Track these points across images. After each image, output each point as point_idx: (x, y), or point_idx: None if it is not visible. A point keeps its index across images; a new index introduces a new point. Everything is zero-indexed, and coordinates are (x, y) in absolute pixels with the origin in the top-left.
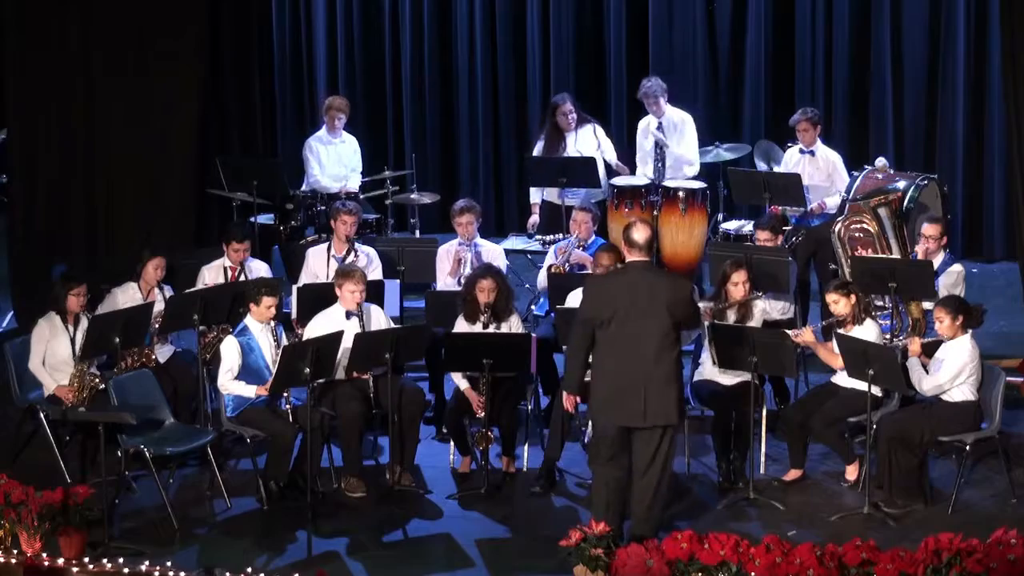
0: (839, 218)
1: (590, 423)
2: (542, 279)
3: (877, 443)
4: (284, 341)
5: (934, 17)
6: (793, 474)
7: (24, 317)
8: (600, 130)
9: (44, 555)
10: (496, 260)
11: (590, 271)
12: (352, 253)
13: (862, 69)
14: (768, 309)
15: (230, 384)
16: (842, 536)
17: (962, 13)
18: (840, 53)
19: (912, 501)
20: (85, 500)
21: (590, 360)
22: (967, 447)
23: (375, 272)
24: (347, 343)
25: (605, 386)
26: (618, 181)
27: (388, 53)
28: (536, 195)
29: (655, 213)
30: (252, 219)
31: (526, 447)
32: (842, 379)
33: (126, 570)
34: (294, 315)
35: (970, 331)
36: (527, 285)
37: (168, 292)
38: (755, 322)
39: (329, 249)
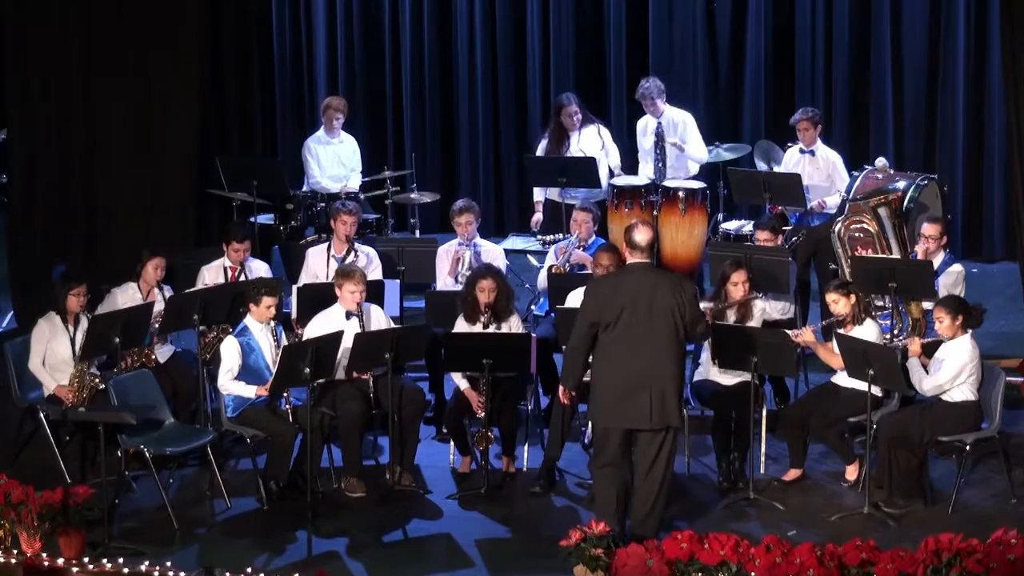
0: (839, 218)
1: (590, 424)
2: (542, 279)
3: (877, 443)
4: (284, 341)
5: (934, 17)
6: (793, 474)
7: (24, 317)
8: (605, 131)
9: (44, 555)
10: (496, 260)
11: (590, 271)
12: (352, 253)
13: (862, 69)
14: (768, 309)
15: (230, 384)
16: (842, 536)
17: (962, 13)
18: (840, 53)
19: (912, 501)
20: (85, 500)
21: (589, 360)
22: (967, 447)
23: (375, 272)
24: (347, 343)
25: (608, 388)
26: (618, 181)
27: (388, 53)
28: (539, 193)
29: (655, 213)
30: (252, 219)
31: (526, 447)
32: (842, 379)
33: (126, 570)
34: (294, 315)
35: (970, 331)
36: (527, 285)
37: (168, 292)
38: (755, 322)
39: (329, 249)
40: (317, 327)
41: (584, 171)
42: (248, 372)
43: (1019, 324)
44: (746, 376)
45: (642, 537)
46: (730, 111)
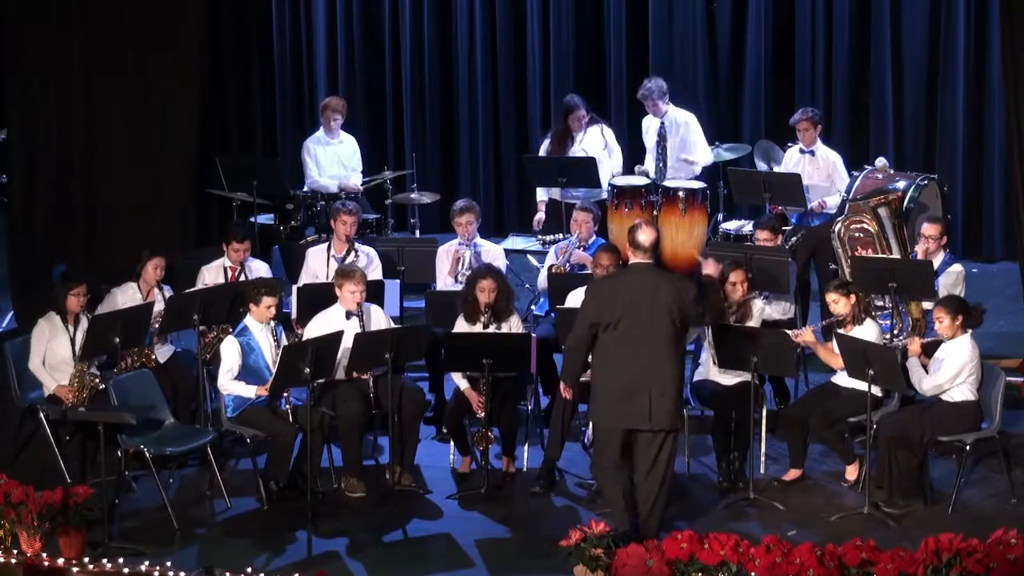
0: (839, 218)
1: (591, 424)
2: (542, 279)
3: (877, 443)
4: (284, 341)
5: (934, 17)
6: (793, 474)
7: (24, 317)
8: (608, 131)
9: (44, 555)
10: (496, 260)
11: (590, 271)
12: (352, 253)
13: (862, 69)
14: (769, 310)
15: (230, 384)
16: (842, 536)
17: (962, 13)
18: (840, 53)
19: (912, 501)
20: (85, 500)
21: (589, 360)
22: (967, 447)
23: (375, 272)
24: (347, 343)
25: (607, 389)
26: (618, 181)
27: (388, 53)
28: (543, 193)
29: (655, 213)
30: (252, 219)
31: (526, 447)
32: (842, 379)
33: (126, 570)
34: (294, 315)
35: (970, 331)
36: (527, 285)
37: (168, 292)
38: (754, 322)
39: (329, 249)
40: (317, 327)
41: (584, 171)
42: (248, 372)
43: (1019, 324)
44: (746, 376)
45: (642, 537)
46: (730, 111)
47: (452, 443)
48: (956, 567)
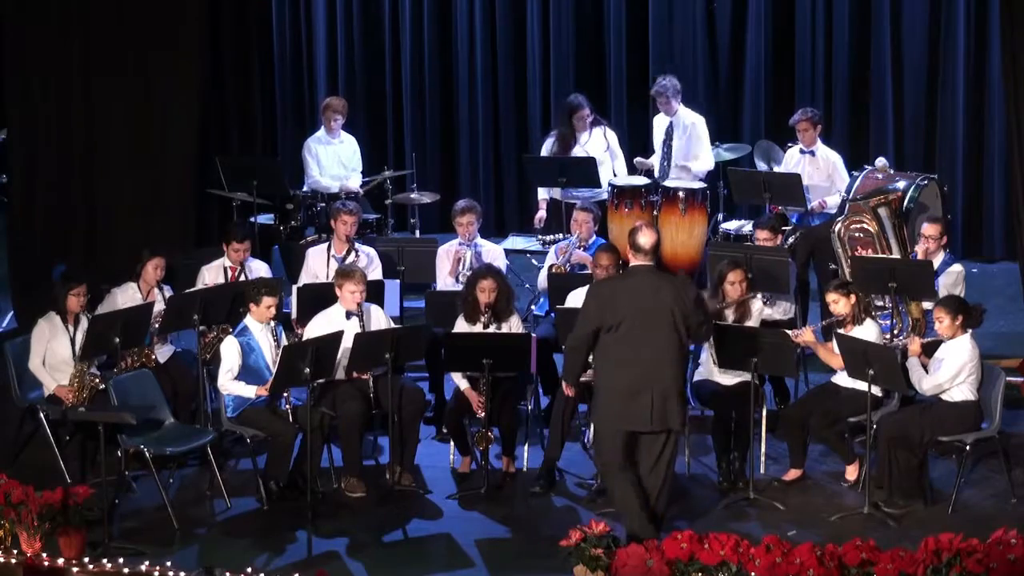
0: (839, 218)
1: (592, 425)
2: (542, 279)
3: (877, 443)
4: (284, 341)
5: (934, 17)
6: (793, 474)
7: (24, 317)
8: (611, 134)
9: (44, 555)
10: (496, 260)
11: (590, 271)
12: (352, 253)
13: (862, 69)
14: (769, 310)
15: (230, 384)
16: (842, 536)
17: (962, 13)
18: (840, 53)
19: (912, 501)
20: (85, 500)
21: (590, 359)
22: (967, 447)
23: (375, 272)
24: (347, 343)
25: (610, 391)
26: (618, 181)
27: (388, 53)
28: (544, 192)
29: (655, 213)
30: (252, 219)
31: (526, 447)
32: (842, 379)
33: (126, 570)
34: (294, 315)
35: (970, 331)
36: (527, 285)
37: (168, 292)
38: (753, 321)
39: (329, 249)
40: (317, 327)
41: (584, 171)
42: (248, 372)
43: (1019, 324)
44: (746, 376)
45: (643, 537)
46: (730, 111)
47: (452, 443)
48: (956, 567)
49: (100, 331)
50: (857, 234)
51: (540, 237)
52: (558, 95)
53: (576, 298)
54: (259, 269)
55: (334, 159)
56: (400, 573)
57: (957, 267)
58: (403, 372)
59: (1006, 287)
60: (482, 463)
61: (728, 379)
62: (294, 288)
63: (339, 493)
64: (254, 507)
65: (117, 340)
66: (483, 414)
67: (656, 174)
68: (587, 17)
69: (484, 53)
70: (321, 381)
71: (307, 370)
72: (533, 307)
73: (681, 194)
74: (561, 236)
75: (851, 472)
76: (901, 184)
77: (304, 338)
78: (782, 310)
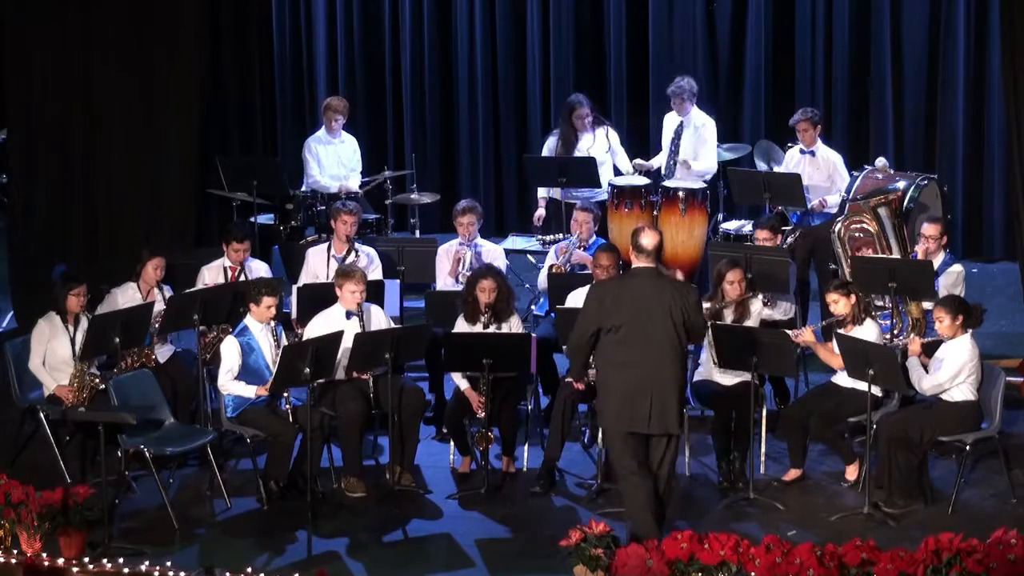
0: (839, 218)
1: (600, 429)
2: (542, 279)
3: (877, 443)
4: (284, 341)
5: (934, 17)
6: (793, 474)
7: (24, 317)
8: (613, 134)
9: (44, 555)
10: (496, 260)
11: (590, 271)
12: (352, 253)
13: (862, 69)
14: (771, 311)
15: (230, 384)
16: (842, 536)
17: (962, 13)
18: (840, 53)
19: (912, 501)
20: (85, 500)
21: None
22: (967, 447)
23: (375, 272)
24: (347, 343)
25: (611, 394)
26: (618, 181)
27: (388, 53)
28: (543, 191)
29: (655, 213)
30: (252, 219)
31: (526, 447)
32: (842, 379)
33: (126, 570)
34: (294, 315)
35: (970, 331)
36: (527, 285)
37: (168, 292)
38: (752, 321)
39: (329, 249)
40: (317, 327)
41: (584, 171)
42: (248, 372)
43: (1019, 324)
44: (746, 376)
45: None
46: (730, 111)
47: (452, 443)
48: (956, 567)
49: (100, 331)
50: (857, 234)
51: (540, 237)
52: (558, 95)
53: (576, 298)
54: (259, 269)
55: (334, 159)
56: (400, 573)
57: (957, 267)
58: (403, 372)
59: (1006, 287)
60: (482, 463)
61: (728, 379)
62: (294, 288)
63: (339, 493)
64: (254, 507)
65: (117, 340)
66: (483, 414)
67: (663, 172)
68: (587, 17)
69: (484, 53)
70: (321, 381)
71: (307, 370)
72: (533, 307)
73: (681, 194)
74: (561, 236)
75: (851, 472)
76: (901, 184)
77: (304, 338)
78: (782, 310)
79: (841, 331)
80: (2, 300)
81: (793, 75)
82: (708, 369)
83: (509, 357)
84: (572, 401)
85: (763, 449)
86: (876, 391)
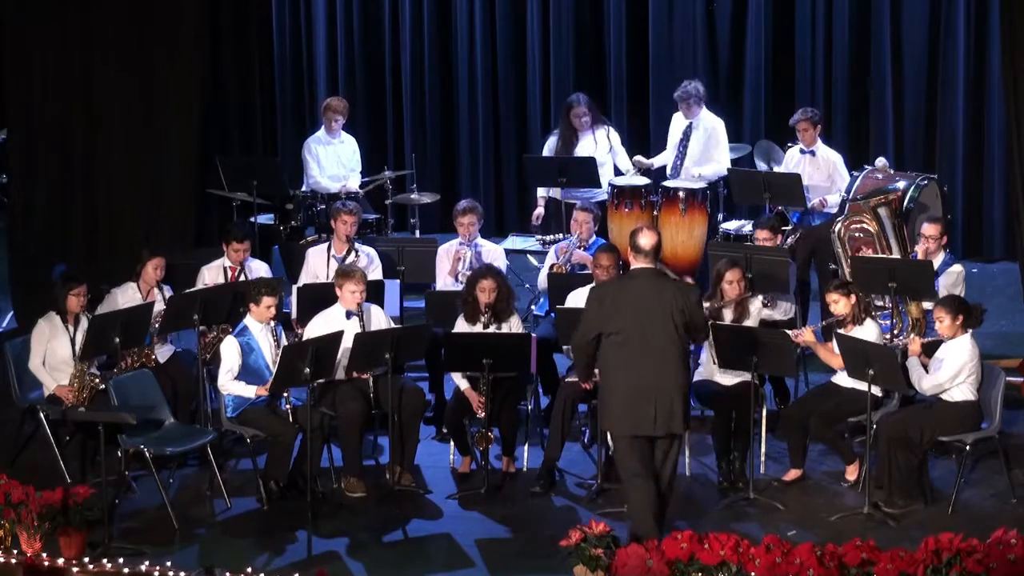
0: (839, 218)
1: (609, 435)
2: (542, 279)
3: (877, 443)
4: (284, 341)
5: (934, 17)
6: (793, 474)
7: (24, 317)
8: (614, 134)
9: (44, 555)
10: (496, 260)
11: (591, 271)
12: (352, 253)
13: (862, 69)
14: (771, 311)
15: (230, 384)
16: (842, 536)
17: (962, 13)
18: (840, 53)
19: (912, 501)
20: (85, 500)
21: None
22: (967, 447)
23: (375, 272)
24: (347, 343)
25: (615, 397)
26: (618, 181)
27: (388, 53)
28: (543, 190)
29: (655, 213)
30: (252, 219)
31: (526, 447)
32: (842, 379)
33: (126, 570)
34: (294, 315)
35: (970, 331)
36: (527, 285)
37: (168, 292)
38: (752, 321)
39: (329, 249)
40: (317, 327)
41: (584, 171)
42: (248, 372)
43: (1019, 324)
44: (746, 376)
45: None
46: (730, 111)
47: (452, 443)
48: (956, 567)
49: (100, 331)
50: (857, 234)
51: (540, 237)
52: (558, 95)
53: (576, 298)
54: (259, 269)
55: (334, 159)
56: (400, 573)
57: (957, 267)
58: (403, 372)
59: (1006, 287)
60: (482, 463)
61: (728, 379)
62: (294, 288)
63: (339, 493)
64: (254, 507)
65: (117, 340)
66: (483, 414)
67: (668, 172)
68: (587, 17)
69: (484, 53)
70: (321, 381)
71: (307, 370)
72: (533, 307)
73: (681, 194)
74: (561, 236)
75: (851, 472)
76: (901, 184)
77: (304, 338)
78: (782, 310)
79: (841, 331)
80: (2, 300)
81: (793, 75)
82: (708, 369)
83: (509, 357)
84: (572, 401)
85: (763, 449)
86: (876, 391)
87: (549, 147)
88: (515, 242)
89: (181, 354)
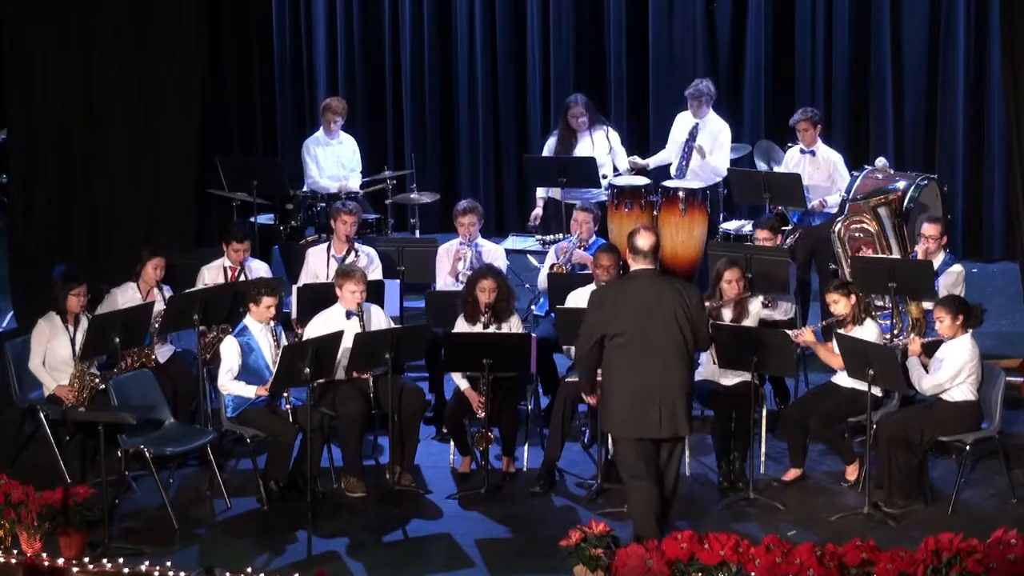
0: (839, 218)
1: (610, 438)
2: (543, 279)
3: (877, 443)
4: (284, 341)
5: (934, 17)
6: (793, 474)
7: (24, 317)
8: (614, 134)
9: (44, 555)
10: (497, 260)
11: (591, 271)
12: (352, 253)
13: (862, 69)
14: (771, 311)
15: (230, 384)
16: (842, 536)
17: (962, 13)
18: (840, 53)
19: (912, 501)
20: (85, 500)
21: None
22: (967, 447)
23: (375, 272)
24: (347, 343)
25: (619, 401)
26: (618, 181)
27: (388, 53)
28: (542, 190)
29: (655, 213)
30: (252, 219)
31: (526, 447)
32: (842, 379)
33: (126, 570)
34: (294, 315)
35: (970, 331)
36: (527, 285)
37: (168, 292)
38: (751, 320)
39: (329, 249)
40: (317, 327)
41: (584, 171)
42: (248, 372)
43: (1019, 324)
44: (746, 376)
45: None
46: (730, 111)
47: (452, 443)
48: (956, 567)
49: (100, 331)
50: (857, 234)
51: (540, 237)
52: (558, 95)
53: (576, 298)
54: (259, 269)
55: (333, 160)
56: (400, 573)
57: (957, 267)
58: (403, 372)
59: (1006, 287)
60: (482, 463)
61: (728, 379)
62: (294, 288)
63: (339, 493)
64: (254, 507)
65: (117, 340)
66: (483, 414)
67: (672, 172)
68: (587, 17)
69: (484, 53)
70: (321, 381)
71: (307, 370)
72: (533, 307)
73: (681, 194)
74: (561, 236)
75: (851, 472)
76: (901, 184)
77: (304, 338)
78: (782, 310)
79: (841, 331)
80: (2, 300)
81: (793, 75)
82: (708, 369)
83: (509, 357)
84: (572, 401)
85: (763, 449)
86: (876, 391)
87: (549, 147)
88: (515, 242)
89: (181, 354)
